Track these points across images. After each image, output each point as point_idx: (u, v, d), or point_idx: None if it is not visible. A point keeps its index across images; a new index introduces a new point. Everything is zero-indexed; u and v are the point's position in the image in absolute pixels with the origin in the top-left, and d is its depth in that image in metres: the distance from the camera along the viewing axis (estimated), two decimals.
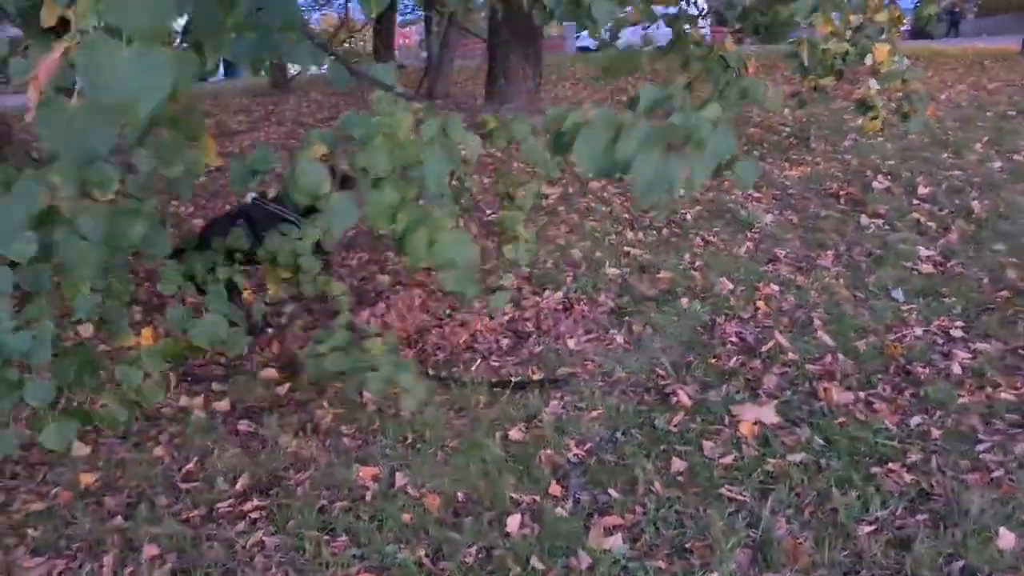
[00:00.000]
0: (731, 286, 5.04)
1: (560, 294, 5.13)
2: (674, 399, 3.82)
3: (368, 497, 3.28)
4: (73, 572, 2.95)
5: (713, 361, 4.15)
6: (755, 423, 3.55)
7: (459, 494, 3.27)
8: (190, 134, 1.94)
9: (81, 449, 3.76)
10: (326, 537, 3.06)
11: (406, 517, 3.14)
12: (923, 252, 5.35)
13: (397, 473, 3.41)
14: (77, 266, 1.82)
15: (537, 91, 10.77)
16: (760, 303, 4.78)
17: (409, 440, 3.66)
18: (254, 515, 3.23)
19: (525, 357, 4.42)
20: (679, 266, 5.45)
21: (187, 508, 3.30)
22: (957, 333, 4.23)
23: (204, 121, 1.82)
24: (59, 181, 1.69)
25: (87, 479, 3.52)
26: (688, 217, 6.48)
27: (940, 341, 4.18)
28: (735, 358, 4.15)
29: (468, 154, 2.05)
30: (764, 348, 4.20)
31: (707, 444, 3.44)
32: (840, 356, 4.04)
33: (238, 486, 3.43)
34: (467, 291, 2.49)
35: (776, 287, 4.99)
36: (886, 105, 7.40)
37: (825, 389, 3.74)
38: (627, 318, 4.74)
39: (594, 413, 3.77)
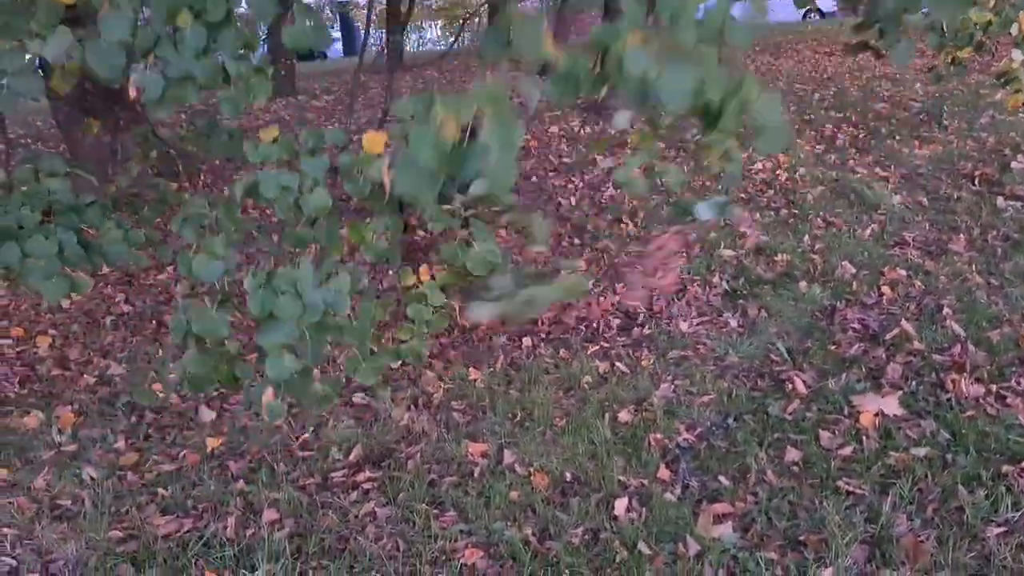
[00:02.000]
0: (853, 270, 4.84)
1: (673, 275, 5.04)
2: (789, 386, 3.70)
3: (476, 473, 3.32)
4: (199, 531, 3.11)
5: (832, 348, 4.00)
6: (877, 414, 3.40)
7: (567, 474, 3.28)
8: None
9: (207, 414, 3.95)
10: (435, 511, 3.12)
11: (514, 495, 3.17)
12: None
13: (505, 450, 3.44)
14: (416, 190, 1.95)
15: None
16: (885, 288, 4.57)
17: (518, 417, 3.68)
18: (367, 485, 3.32)
19: (636, 338, 4.37)
20: (798, 248, 5.26)
21: (304, 475, 3.42)
22: None
23: None
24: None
25: (213, 443, 3.69)
26: (809, 197, 6.25)
27: None
28: (856, 345, 3.99)
29: None
30: (888, 336, 4.01)
31: (824, 434, 3.33)
32: (971, 347, 3.82)
33: (352, 457, 3.53)
34: (781, 148, 2.52)
35: (903, 272, 4.76)
36: None
37: (953, 381, 3.55)
38: (742, 301, 4.62)
39: (705, 398, 3.70)
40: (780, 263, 5.06)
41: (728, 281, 4.89)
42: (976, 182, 6.28)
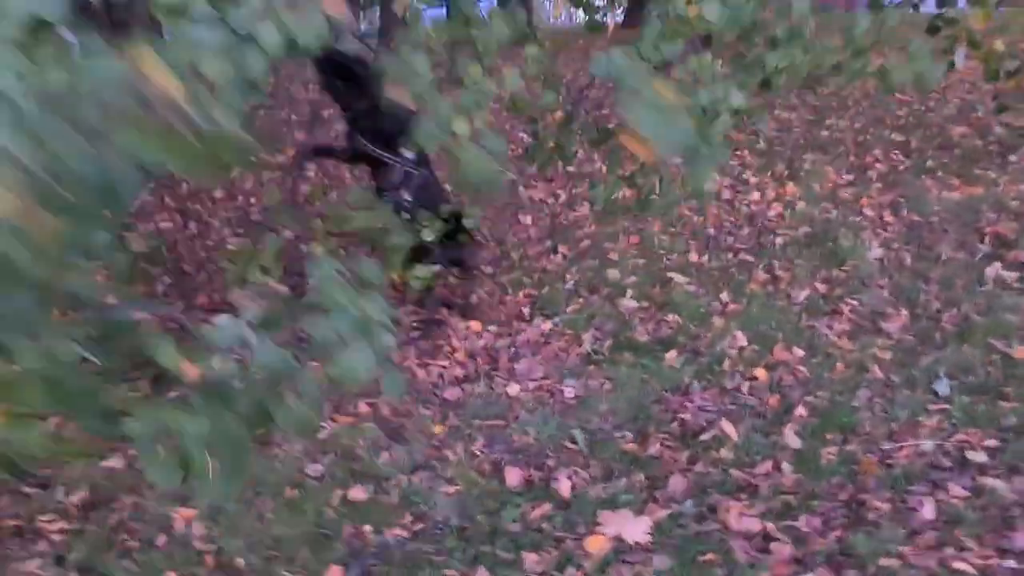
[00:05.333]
0: (745, 342, 4.17)
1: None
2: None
3: None
4: None
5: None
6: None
7: None
8: None
9: None
10: None
11: None
12: None
13: None
14: None
15: None
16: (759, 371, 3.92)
17: None
18: None
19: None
20: (701, 309, 4.61)
21: None
22: None
23: None
24: None
25: None
26: (779, 241, 5.49)
27: None
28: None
29: None
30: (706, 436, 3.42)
31: None
32: None
33: None
34: None
35: (799, 352, 4.06)
36: None
37: None
38: (591, 367, 4.09)
39: (451, 488, 3.28)
40: (670, 324, 4.45)
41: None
42: (985, 241, 5.31)
